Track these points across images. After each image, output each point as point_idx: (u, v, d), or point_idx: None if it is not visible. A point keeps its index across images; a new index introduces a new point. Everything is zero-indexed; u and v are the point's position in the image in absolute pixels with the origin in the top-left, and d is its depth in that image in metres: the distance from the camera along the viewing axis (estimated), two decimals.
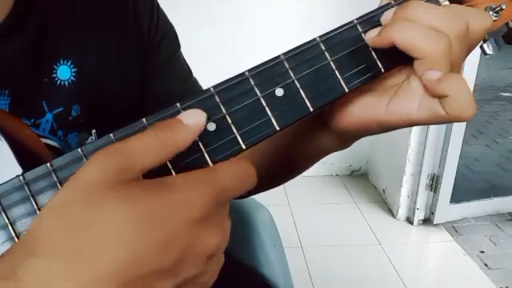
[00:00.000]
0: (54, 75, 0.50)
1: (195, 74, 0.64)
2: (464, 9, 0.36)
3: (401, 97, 0.37)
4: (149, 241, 0.24)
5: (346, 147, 0.45)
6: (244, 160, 0.30)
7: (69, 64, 0.51)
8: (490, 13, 0.38)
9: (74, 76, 0.51)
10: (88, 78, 0.52)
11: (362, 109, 0.39)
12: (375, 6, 0.37)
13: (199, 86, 0.63)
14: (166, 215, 0.25)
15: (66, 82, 0.51)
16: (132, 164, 0.27)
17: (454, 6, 0.36)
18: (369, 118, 0.39)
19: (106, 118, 0.53)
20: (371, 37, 0.35)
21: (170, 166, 0.31)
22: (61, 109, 0.50)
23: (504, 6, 0.37)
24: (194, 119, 0.30)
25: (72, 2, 0.52)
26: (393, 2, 0.37)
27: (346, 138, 0.43)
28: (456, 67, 0.35)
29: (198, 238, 0.26)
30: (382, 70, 0.36)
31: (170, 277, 0.25)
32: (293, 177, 0.54)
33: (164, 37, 0.58)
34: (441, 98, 0.34)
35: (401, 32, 0.34)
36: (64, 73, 0.50)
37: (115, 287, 0.24)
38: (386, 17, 0.36)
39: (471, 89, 1.75)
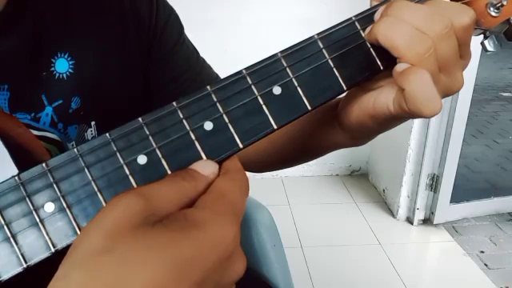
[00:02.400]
0: (52, 68, 0.50)
1: None
2: (446, 6, 0.35)
3: (384, 91, 0.38)
4: (188, 284, 0.24)
5: (360, 144, 0.46)
6: (240, 171, 0.31)
7: (66, 57, 0.51)
8: (491, 9, 0.37)
9: (71, 68, 0.51)
10: (86, 70, 0.52)
11: (356, 105, 0.40)
12: None
13: (207, 67, 0.64)
14: (202, 256, 0.25)
15: (65, 75, 0.51)
16: (159, 208, 0.27)
17: (438, 2, 0.36)
18: (362, 113, 0.39)
19: (105, 109, 0.53)
20: (365, 33, 0.36)
21: (166, 165, 0.31)
22: (60, 101, 0.50)
23: (505, 2, 0.37)
24: (209, 170, 0.30)
25: None
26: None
27: (356, 135, 0.44)
28: (447, 65, 0.35)
29: (230, 270, 0.26)
30: (381, 68, 0.36)
31: None
32: (309, 160, 0.56)
33: (166, 23, 0.58)
34: (402, 91, 0.34)
35: (383, 30, 0.34)
36: (62, 66, 0.50)
37: None
38: (377, 13, 0.37)
39: (471, 89, 1.74)
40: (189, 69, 0.61)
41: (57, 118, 0.50)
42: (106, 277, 0.23)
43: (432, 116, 0.34)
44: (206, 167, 0.30)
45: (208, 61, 0.66)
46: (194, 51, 0.63)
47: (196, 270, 0.24)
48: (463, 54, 0.37)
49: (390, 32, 0.34)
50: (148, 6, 0.56)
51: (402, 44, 0.34)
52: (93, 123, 0.53)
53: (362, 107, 0.39)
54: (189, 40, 0.63)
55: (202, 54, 0.65)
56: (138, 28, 0.55)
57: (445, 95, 0.37)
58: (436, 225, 2.18)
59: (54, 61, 0.50)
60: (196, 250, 0.25)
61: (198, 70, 0.62)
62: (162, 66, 0.58)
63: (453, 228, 2.19)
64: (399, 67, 0.34)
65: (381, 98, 0.38)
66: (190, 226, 0.26)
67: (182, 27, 0.62)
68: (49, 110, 0.50)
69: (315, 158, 0.54)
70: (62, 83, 0.50)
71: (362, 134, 0.43)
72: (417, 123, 2.07)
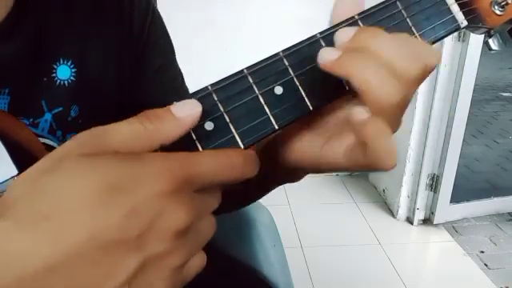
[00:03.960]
0: (54, 75, 0.50)
1: (195, 74, 0.64)
2: (422, 47, 0.31)
3: (332, 143, 0.34)
4: (113, 209, 0.24)
5: (297, 180, 0.42)
6: (233, 151, 0.29)
7: (69, 64, 0.50)
8: (496, 7, 0.37)
9: (73, 76, 0.51)
10: (87, 79, 0.52)
11: (301, 146, 0.36)
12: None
13: (189, 94, 0.63)
14: (133, 184, 0.24)
15: (66, 82, 0.50)
16: (108, 145, 0.26)
17: (414, 42, 0.32)
18: (306, 157, 0.36)
19: (104, 119, 0.52)
20: (327, 60, 0.31)
21: None
22: (60, 109, 0.50)
23: (510, 1, 0.36)
24: (185, 112, 0.28)
25: (70, 4, 0.51)
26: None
27: (294, 173, 0.40)
28: (402, 110, 0.32)
29: (164, 211, 0.25)
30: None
31: (134, 250, 0.25)
32: (239, 207, 0.53)
33: (157, 42, 0.58)
34: (361, 144, 0.31)
35: (360, 69, 0.30)
36: (64, 72, 0.50)
37: (79, 255, 0.23)
38: (342, 37, 0.32)
39: (471, 89, 1.74)
40: (172, 90, 0.59)
41: (56, 125, 0.50)
42: (41, 187, 0.24)
43: (390, 169, 0.31)
44: (181, 109, 0.28)
45: (208, 61, 0.66)
46: (180, 75, 0.62)
47: (125, 197, 0.24)
48: None
49: (370, 75, 0.29)
50: (143, 20, 0.56)
51: (381, 93, 0.29)
52: None
53: (306, 151, 0.36)
54: (179, 68, 0.62)
55: (202, 54, 0.65)
56: (132, 41, 0.55)
57: None
58: (436, 225, 2.18)
59: (55, 67, 0.50)
60: (129, 177, 0.25)
61: (181, 94, 0.60)
62: (146, 83, 0.57)
63: (453, 228, 2.18)
64: (359, 116, 0.30)
65: (328, 151, 0.34)
66: (134, 158, 0.26)
67: (173, 52, 0.61)
68: (48, 116, 0.49)
69: (251, 200, 0.51)
70: (62, 90, 0.50)
71: (298, 175, 0.41)
72: (417, 123, 2.07)
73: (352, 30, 0.32)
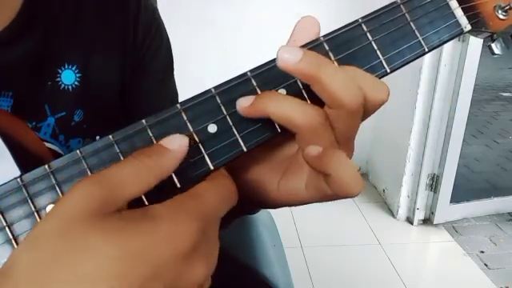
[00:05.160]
0: (58, 79, 0.50)
1: (195, 74, 0.64)
2: (362, 77, 0.32)
3: (290, 172, 0.35)
4: (135, 277, 0.23)
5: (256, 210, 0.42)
6: (225, 177, 0.30)
7: (74, 69, 0.50)
8: (499, 11, 0.37)
9: (78, 81, 0.51)
10: (92, 84, 0.52)
11: (255, 182, 0.36)
12: (376, 7, 0.36)
13: None
14: (153, 250, 0.24)
15: (70, 87, 0.50)
16: (117, 194, 0.26)
17: (354, 71, 0.32)
18: (260, 192, 0.36)
19: (108, 123, 0.52)
20: (243, 106, 0.31)
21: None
22: (63, 113, 0.50)
23: None
24: (176, 144, 0.29)
25: (77, 10, 0.52)
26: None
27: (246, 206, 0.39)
28: (348, 139, 0.33)
29: (186, 272, 0.25)
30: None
31: None
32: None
33: (157, 53, 0.58)
34: (324, 176, 0.31)
35: (275, 103, 0.31)
36: (68, 77, 0.50)
37: None
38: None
39: (471, 89, 1.73)
40: (165, 102, 0.59)
41: (58, 130, 0.50)
42: (52, 254, 0.23)
43: (357, 195, 0.31)
44: (172, 140, 0.29)
45: (208, 61, 0.66)
46: (175, 92, 0.62)
47: (145, 264, 0.24)
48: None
49: (285, 105, 0.31)
50: (147, 30, 0.56)
51: (299, 118, 0.30)
52: (98, 138, 0.52)
53: (261, 187, 0.36)
54: (174, 82, 0.62)
55: (202, 54, 0.65)
56: (135, 49, 0.55)
57: None
58: (436, 225, 2.18)
59: (60, 71, 0.50)
60: (146, 243, 0.24)
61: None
62: (142, 94, 0.57)
63: (453, 228, 2.19)
64: (313, 150, 0.31)
65: (288, 183, 0.35)
66: (145, 218, 0.25)
67: (171, 64, 0.61)
68: (51, 120, 0.49)
69: None
70: (66, 95, 0.50)
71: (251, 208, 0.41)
72: (417, 123, 2.07)
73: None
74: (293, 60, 0.30)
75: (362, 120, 0.33)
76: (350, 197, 0.31)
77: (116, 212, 0.25)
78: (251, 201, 0.37)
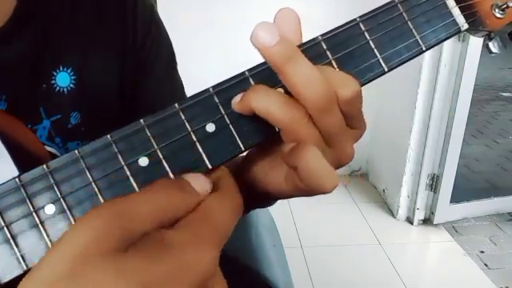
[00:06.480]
0: (53, 81, 0.49)
1: (195, 74, 0.64)
2: (333, 75, 0.32)
3: (276, 165, 0.36)
4: None
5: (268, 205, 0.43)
6: (232, 189, 0.29)
7: (69, 71, 0.50)
8: (496, 10, 0.37)
9: (73, 83, 0.50)
10: (89, 85, 0.51)
11: (256, 173, 0.37)
12: (376, 5, 0.36)
13: None
14: (172, 281, 0.23)
15: (65, 89, 0.50)
16: (133, 231, 0.24)
17: (324, 69, 0.32)
18: (256, 182, 0.37)
19: (108, 125, 0.52)
20: (234, 102, 0.32)
21: (167, 167, 0.31)
22: (59, 116, 0.50)
23: (511, 4, 0.36)
24: (202, 187, 0.28)
25: (74, 11, 0.51)
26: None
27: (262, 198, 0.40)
28: (332, 138, 0.33)
29: None
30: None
31: None
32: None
33: (159, 53, 0.58)
34: (293, 169, 0.32)
35: (258, 97, 0.31)
36: (63, 80, 0.50)
37: None
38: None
39: (471, 89, 1.73)
40: (173, 100, 0.59)
41: (54, 132, 0.49)
42: None
43: (331, 190, 0.31)
44: (200, 182, 0.28)
45: (208, 61, 0.66)
46: (180, 85, 0.62)
47: None
48: (353, 125, 0.34)
49: (265, 100, 0.31)
50: (147, 30, 0.56)
51: (279, 114, 0.31)
52: None
53: (255, 177, 0.37)
54: (180, 79, 0.62)
55: (202, 54, 0.65)
56: (134, 50, 0.55)
57: (335, 168, 0.34)
58: (436, 225, 2.18)
59: (55, 74, 0.49)
60: (167, 274, 0.23)
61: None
62: (147, 92, 0.57)
63: (453, 228, 2.18)
64: (286, 147, 0.32)
65: (273, 175, 0.36)
66: (164, 248, 0.24)
67: (174, 62, 0.61)
68: (46, 123, 0.49)
69: None
70: (61, 97, 0.50)
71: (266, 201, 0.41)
72: (417, 123, 2.07)
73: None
74: (267, 42, 0.30)
75: (351, 122, 0.33)
76: (324, 192, 0.32)
77: (132, 245, 0.24)
78: (260, 192, 0.38)
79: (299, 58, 0.31)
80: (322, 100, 0.31)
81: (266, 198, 0.40)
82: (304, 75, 0.30)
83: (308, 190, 0.32)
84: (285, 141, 0.33)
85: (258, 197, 0.39)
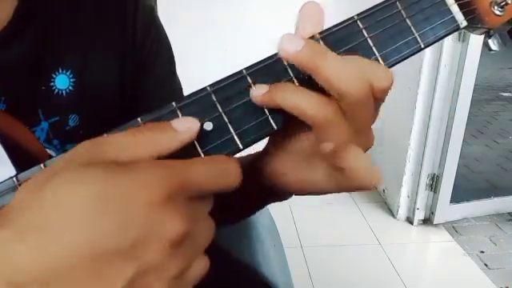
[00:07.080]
0: (52, 84, 0.49)
1: (195, 74, 0.64)
2: (367, 66, 0.32)
3: (314, 165, 0.35)
4: (108, 219, 0.24)
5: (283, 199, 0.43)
6: (225, 158, 0.29)
7: (68, 74, 0.50)
8: (495, 7, 0.37)
9: (72, 86, 0.50)
10: (89, 86, 0.51)
11: (281, 168, 0.37)
12: (374, 3, 0.36)
13: None
14: (125, 195, 0.25)
15: (64, 92, 0.50)
16: (106, 156, 0.27)
17: (356, 60, 0.32)
18: (278, 181, 0.37)
19: (108, 125, 0.52)
20: (258, 94, 0.32)
21: None
22: (57, 118, 0.50)
23: (510, 1, 0.36)
24: (183, 126, 0.29)
25: (74, 10, 0.51)
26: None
27: (279, 192, 0.40)
28: (364, 127, 0.33)
29: (158, 221, 0.25)
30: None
31: (130, 260, 0.24)
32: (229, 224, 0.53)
33: (158, 54, 0.57)
34: (340, 170, 0.32)
35: (288, 94, 0.31)
36: (62, 82, 0.50)
37: (74, 267, 0.23)
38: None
39: (471, 89, 1.73)
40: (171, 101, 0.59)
41: (52, 134, 0.49)
42: (37, 200, 0.25)
43: (372, 187, 0.33)
44: (180, 123, 0.29)
45: (208, 61, 0.66)
46: (179, 87, 0.62)
47: (119, 207, 0.24)
48: (376, 112, 0.35)
49: (296, 97, 0.31)
50: (146, 32, 0.56)
51: (311, 112, 0.31)
52: None
53: (282, 174, 0.37)
54: (179, 81, 0.62)
55: (202, 54, 0.65)
56: (134, 51, 0.55)
57: None
58: (436, 225, 2.18)
59: (54, 76, 0.49)
60: (121, 188, 0.25)
61: None
62: (146, 95, 0.57)
63: (453, 228, 2.18)
64: (327, 147, 0.32)
65: (313, 178, 0.36)
66: (125, 167, 0.26)
67: (173, 65, 0.61)
68: (44, 125, 0.49)
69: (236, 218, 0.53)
70: (59, 100, 0.50)
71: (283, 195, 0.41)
72: (417, 123, 2.07)
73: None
74: (293, 49, 0.31)
75: (377, 107, 0.34)
76: (366, 189, 0.33)
77: (102, 162, 0.26)
78: (270, 189, 0.38)
79: (327, 52, 0.31)
80: (361, 92, 0.31)
81: (284, 194, 0.40)
82: (336, 67, 0.31)
83: (351, 188, 0.33)
84: (317, 137, 0.33)
85: (276, 192, 0.39)
